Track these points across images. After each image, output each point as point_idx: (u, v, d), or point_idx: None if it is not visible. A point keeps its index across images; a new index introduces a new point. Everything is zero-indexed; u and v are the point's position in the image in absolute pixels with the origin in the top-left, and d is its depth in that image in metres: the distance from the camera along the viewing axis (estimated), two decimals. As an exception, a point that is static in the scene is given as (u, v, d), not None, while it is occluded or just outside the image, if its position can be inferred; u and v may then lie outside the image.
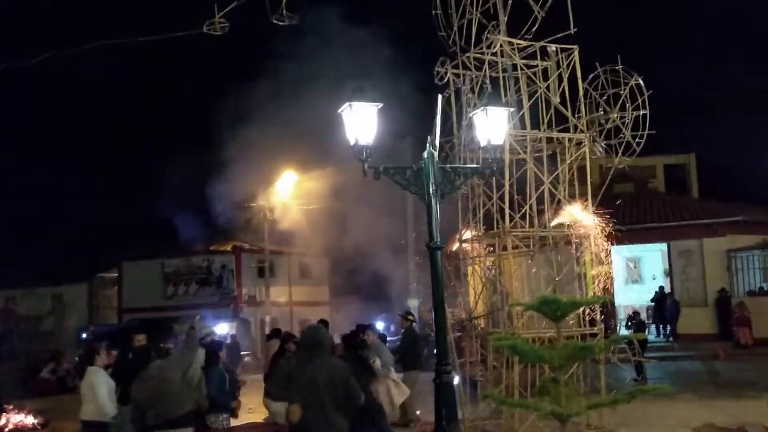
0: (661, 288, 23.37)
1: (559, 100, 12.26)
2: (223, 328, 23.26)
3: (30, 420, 15.38)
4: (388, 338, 27.49)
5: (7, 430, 14.42)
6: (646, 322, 20.83)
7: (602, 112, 12.31)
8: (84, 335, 22.92)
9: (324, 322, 11.60)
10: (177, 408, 6.96)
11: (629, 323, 16.49)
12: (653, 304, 23.28)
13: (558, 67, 12.45)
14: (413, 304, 30.19)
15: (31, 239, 33.70)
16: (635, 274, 25.62)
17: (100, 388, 8.52)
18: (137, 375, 7.31)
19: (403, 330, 12.82)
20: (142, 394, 7.06)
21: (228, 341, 20.00)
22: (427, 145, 8.25)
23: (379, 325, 29.49)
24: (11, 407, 15.74)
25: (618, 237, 12.89)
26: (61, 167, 44.97)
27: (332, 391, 6.04)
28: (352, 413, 6.21)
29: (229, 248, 33.57)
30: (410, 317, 13.12)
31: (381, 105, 8.03)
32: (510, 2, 12.44)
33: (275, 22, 13.96)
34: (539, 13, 12.22)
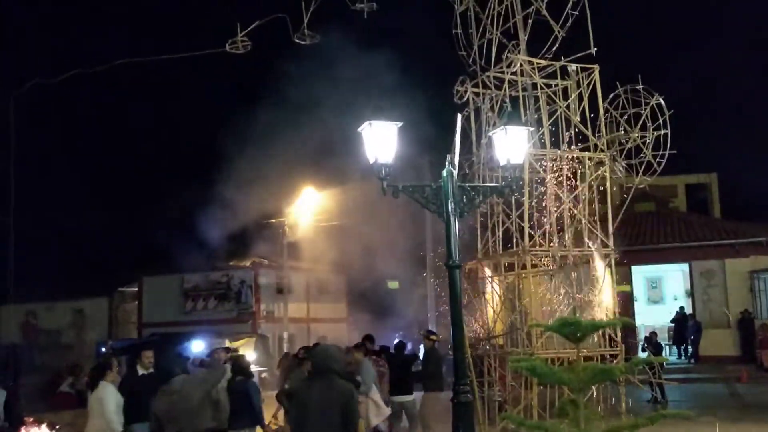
0: (681, 309, 23.12)
1: (579, 120, 12.27)
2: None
3: (48, 433, 15.48)
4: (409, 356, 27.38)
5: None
6: (663, 343, 20.61)
7: (623, 132, 12.28)
8: (103, 349, 23.04)
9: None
10: (196, 425, 6.99)
11: (645, 345, 16.30)
12: (673, 325, 23.04)
13: (578, 86, 12.47)
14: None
15: (53, 253, 34.04)
16: (656, 295, 25.37)
17: (108, 404, 8.50)
18: (159, 389, 7.35)
19: (425, 350, 12.51)
20: (162, 408, 7.08)
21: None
22: (447, 163, 8.25)
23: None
24: (31, 420, 15.84)
25: (639, 257, 12.84)
26: (83, 182, 45.49)
27: (327, 414, 6.00)
28: None
29: (248, 264, 33.68)
30: (433, 336, 12.84)
31: (401, 124, 8.06)
32: (530, 22, 12.51)
33: (297, 41, 14.14)
34: (559, 32, 12.26)
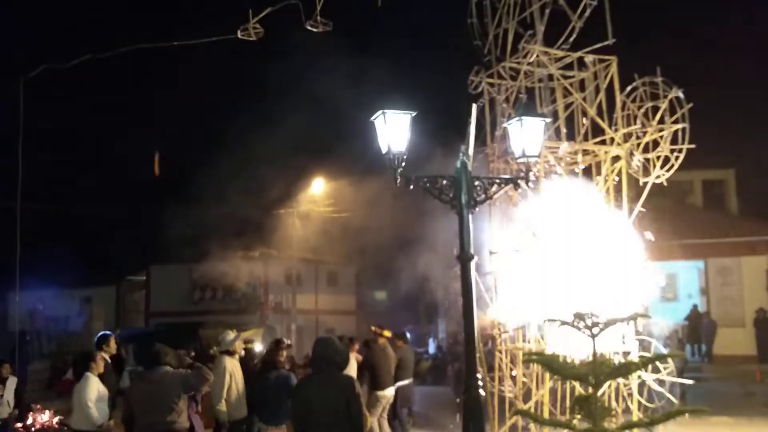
0: (695, 306, 22.85)
1: (595, 112, 12.02)
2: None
3: (55, 420, 15.46)
4: (416, 350, 27.27)
5: (33, 429, 14.49)
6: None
7: (640, 125, 12.02)
8: (96, 338, 22.97)
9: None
10: (168, 420, 6.71)
11: (667, 342, 16.02)
12: (686, 323, 22.77)
13: (595, 78, 12.23)
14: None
15: (61, 241, 34.04)
16: (670, 292, 25.08)
17: (87, 396, 8.31)
18: (139, 375, 7.18)
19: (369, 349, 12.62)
20: (136, 396, 6.90)
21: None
22: (461, 154, 8.08)
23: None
24: (38, 407, 15.84)
25: (653, 253, 12.57)
26: (93, 169, 45.54)
27: (328, 409, 5.86)
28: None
29: (256, 255, 33.59)
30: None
31: (415, 113, 7.90)
32: (547, 12, 12.26)
33: (309, 28, 13.93)
34: (577, 22, 12.01)
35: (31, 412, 14.98)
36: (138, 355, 10.01)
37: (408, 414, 12.99)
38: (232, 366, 9.47)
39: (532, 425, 11.43)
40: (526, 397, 11.56)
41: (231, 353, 9.63)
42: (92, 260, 33.59)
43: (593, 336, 4.73)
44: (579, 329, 4.78)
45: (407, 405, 12.78)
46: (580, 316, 4.74)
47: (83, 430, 8.85)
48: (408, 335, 13.91)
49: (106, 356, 9.55)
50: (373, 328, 12.87)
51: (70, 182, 40.11)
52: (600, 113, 12.03)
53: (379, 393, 11.61)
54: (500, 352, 12.27)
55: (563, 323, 4.98)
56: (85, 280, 33.30)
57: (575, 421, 4.86)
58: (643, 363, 5.06)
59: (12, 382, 11.10)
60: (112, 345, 9.85)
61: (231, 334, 10.01)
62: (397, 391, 12.40)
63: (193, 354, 11.01)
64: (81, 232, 35.70)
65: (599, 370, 4.69)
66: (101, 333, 10.12)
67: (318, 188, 30.10)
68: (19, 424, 13.85)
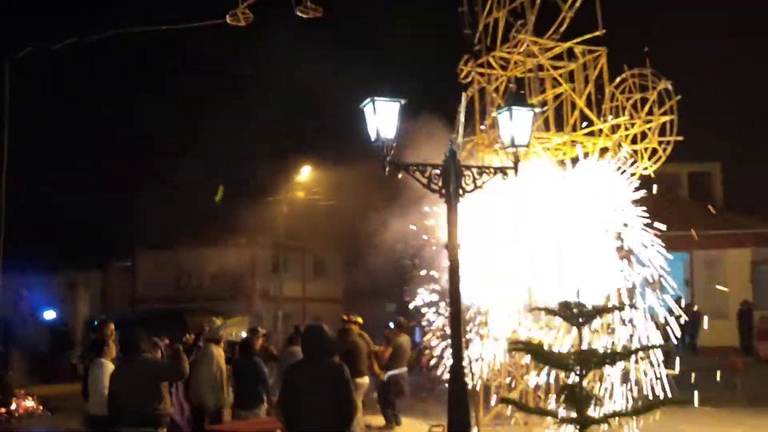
0: (678, 298, 22.96)
1: (584, 103, 12.03)
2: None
3: (38, 405, 15.41)
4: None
5: (17, 414, 14.46)
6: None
7: (629, 117, 12.04)
8: (96, 323, 22.90)
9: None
10: (149, 406, 6.70)
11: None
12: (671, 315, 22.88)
13: (585, 69, 12.23)
14: (390, 308, 29.87)
15: (46, 226, 33.80)
16: (655, 284, 25.19)
17: (101, 382, 8.32)
18: (120, 362, 7.15)
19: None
20: (117, 384, 6.87)
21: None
22: (450, 143, 8.07)
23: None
24: (22, 392, 15.77)
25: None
26: (79, 153, 45.22)
27: (318, 396, 5.87)
28: (343, 420, 6.03)
29: (243, 242, 33.48)
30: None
31: (404, 101, 7.87)
32: (538, 2, 12.22)
33: (299, 14, 13.85)
34: (567, 12, 11.98)
35: (15, 399, 14.94)
36: (119, 342, 9.94)
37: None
38: (219, 354, 9.48)
39: (517, 414, 11.51)
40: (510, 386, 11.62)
41: (217, 341, 9.63)
42: (78, 245, 33.38)
43: (579, 325, 4.76)
44: (565, 318, 4.80)
45: (401, 394, 12.71)
46: (566, 305, 4.77)
47: (100, 415, 8.95)
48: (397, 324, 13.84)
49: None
50: (344, 316, 12.92)
51: (55, 166, 39.81)
52: (589, 104, 12.04)
53: (358, 381, 11.59)
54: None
55: (548, 312, 5.00)
56: (70, 266, 33.09)
57: (561, 410, 4.90)
58: (629, 352, 5.09)
59: (-4, 368, 11.03)
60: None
61: (218, 322, 10.02)
62: (390, 379, 12.49)
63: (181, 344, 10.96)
64: (66, 217, 35.43)
65: (585, 358, 4.71)
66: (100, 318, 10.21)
67: (305, 176, 30.04)
68: (3, 410, 13.80)
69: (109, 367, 8.48)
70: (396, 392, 12.54)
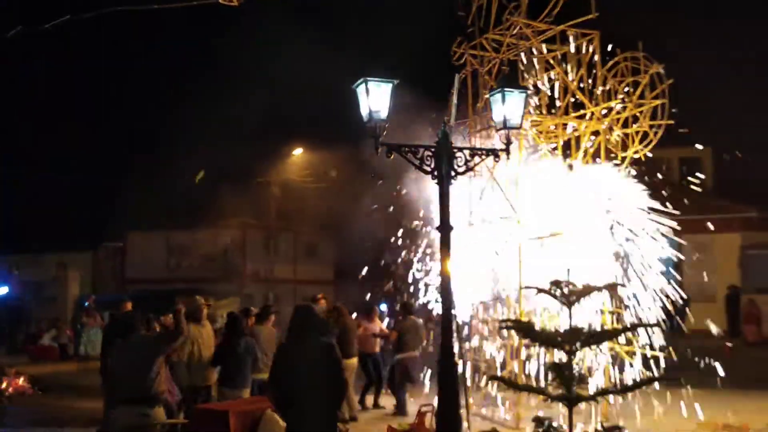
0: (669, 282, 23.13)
1: (577, 86, 12.04)
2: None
3: (30, 385, 15.44)
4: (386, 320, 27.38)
5: (8, 394, 14.47)
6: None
7: (620, 100, 12.07)
8: (86, 303, 22.95)
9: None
10: (147, 386, 6.69)
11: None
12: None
13: (577, 52, 12.23)
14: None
15: (37, 205, 33.66)
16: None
17: None
18: (117, 343, 7.17)
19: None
20: (116, 365, 6.90)
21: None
22: (442, 124, 8.08)
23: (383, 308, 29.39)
24: (13, 371, 15.79)
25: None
26: (71, 134, 44.91)
27: (309, 375, 5.92)
28: (334, 398, 6.10)
29: (235, 224, 33.47)
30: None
31: (397, 82, 7.88)
32: (532, -17, 12.20)
33: (291, -6, 13.76)
34: (561, -5, 11.96)
35: (6, 377, 14.95)
36: (113, 325, 10.05)
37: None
38: (196, 333, 9.50)
39: (506, 395, 11.62)
40: (501, 368, 11.72)
41: (196, 320, 9.65)
42: (69, 225, 33.29)
43: (569, 304, 4.81)
44: (556, 297, 4.85)
45: (408, 379, 12.45)
46: (557, 284, 4.81)
47: None
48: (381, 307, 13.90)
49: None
50: (319, 295, 13.10)
51: (46, 146, 39.57)
52: (581, 88, 12.06)
53: (346, 362, 11.62)
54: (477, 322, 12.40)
55: (540, 291, 5.04)
56: (61, 245, 33.02)
57: (549, 388, 4.96)
58: (617, 332, 5.14)
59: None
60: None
61: (201, 301, 10.06)
62: (396, 363, 12.47)
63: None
64: (56, 196, 35.29)
65: (574, 337, 4.76)
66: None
67: (297, 158, 30.01)
68: (-8, 388, 13.79)
69: None
70: (403, 377, 12.38)
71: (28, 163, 32.21)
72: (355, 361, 12.08)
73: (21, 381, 15.40)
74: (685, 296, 22.03)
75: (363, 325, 13.11)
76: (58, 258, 32.89)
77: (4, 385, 14.56)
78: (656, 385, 7.29)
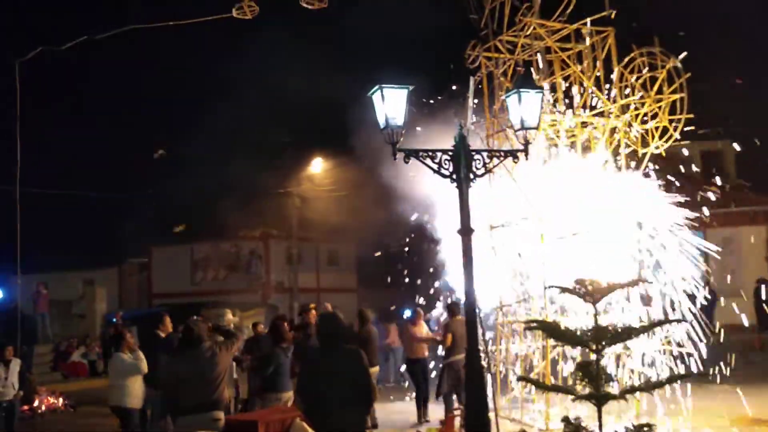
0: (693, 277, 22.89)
1: (593, 84, 11.99)
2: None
3: (61, 402, 15.61)
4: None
5: (40, 411, 14.64)
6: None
7: (638, 97, 11.99)
8: (114, 320, 23.16)
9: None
10: (217, 395, 6.90)
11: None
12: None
13: (593, 50, 12.18)
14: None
15: (62, 224, 34.06)
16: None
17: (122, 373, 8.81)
18: (180, 353, 7.26)
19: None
20: (181, 376, 6.98)
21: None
22: (459, 127, 8.07)
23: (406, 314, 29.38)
24: (44, 389, 15.97)
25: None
26: (93, 151, 45.41)
27: (336, 382, 5.92)
28: (363, 405, 6.10)
29: (257, 235, 33.64)
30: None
31: (412, 88, 7.89)
32: (545, -17, 12.18)
33: (305, 5, 13.87)
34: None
35: (37, 395, 15.13)
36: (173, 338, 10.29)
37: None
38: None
39: (535, 397, 11.58)
40: (529, 370, 11.67)
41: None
42: (94, 242, 33.65)
43: (594, 302, 4.78)
44: (580, 296, 4.82)
45: (458, 382, 11.29)
46: (581, 283, 4.78)
47: (121, 407, 9.42)
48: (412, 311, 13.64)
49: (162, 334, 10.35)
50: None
51: (71, 164, 40.07)
52: (598, 85, 12.00)
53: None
54: (501, 325, 12.35)
55: (564, 290, 5.02)
56: (87, 263, 33.38)
57: (578, 387, 4.93)
58: (645, 329, 5.10)
59: (15, 364, 11.19)
60: (167, 323, 10.46)
61: (228, 314, 10.19)
62: (445, 366, 11.69)
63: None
64: (82, 214, 35.69)
65: (601, 336, 4.73)
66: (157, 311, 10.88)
67: (317, 168, 30.11)
68: (26, 407, 13.96)
69: (123, 358, 8.84)
70: (454, 383, 11.50)
71: (53, 183, 32.58)
72: (377, 369, 11.97)
73: (52, 399, 15.58)
74: (712, 290, 21.87)
75: (410, 329, 12.77)
76: (84, 275, 33.27)
77: (36, 403, 14.74)
78: (686, 380, 7.22)
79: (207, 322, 9.75)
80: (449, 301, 13.25)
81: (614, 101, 11.83)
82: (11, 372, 11.06)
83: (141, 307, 32.64)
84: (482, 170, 8.03)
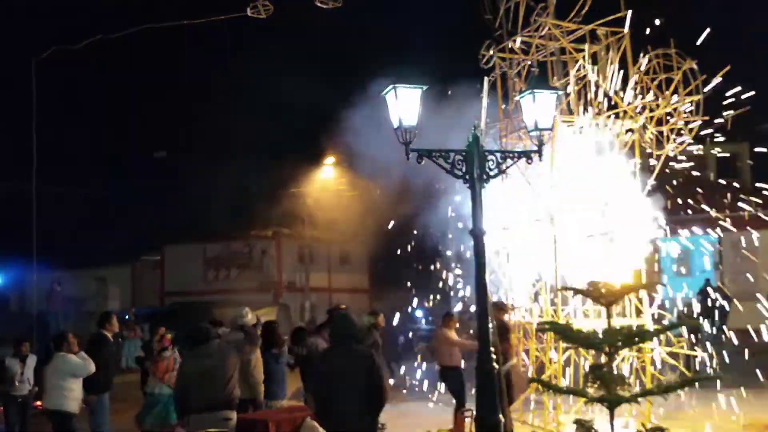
0: (707, 281, 22.75)
1: (608, 86, 11.93)
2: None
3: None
4: (424, 327, 27.32)
5: (42, 406, 14.70)
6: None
7: (653, 98, 11.91)
8: (127, 317, 23.28)
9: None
10: (227, 394, 6.91)
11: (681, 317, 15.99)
12: (699, 297, 22.67)
13: (608, 51, 12.11)
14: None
15: (76, 221, 34.25)
16: (683, 267, 24.96)
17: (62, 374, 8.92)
18: (191, 351, 7.26)
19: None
20: (192, 372, 6.98)
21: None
22: (473, 128, 8.05)
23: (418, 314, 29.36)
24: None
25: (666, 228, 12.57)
26: (107, 150, 45.65)
27: (349, 382, 5.91)
28: (375, 406, 6.08)
29: (269, 234, 33.72)
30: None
31: (426, 87, 7.87)
32: (560, -17, 12.13)
33: (319, 5, 13.90)
34: (590, -6, 11.88)
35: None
36: (181, 336, 10.23)
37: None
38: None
39: (545, 397, 11.51)
40: (540, 372, 11.61)
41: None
42: (107, 240, 33.81)
43: (607, 305, 4.74)
44: (592, 298, 4.79)
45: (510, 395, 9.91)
46: (594, 285, 4.75)
47: (58, 410, 9.17)
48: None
49: (109, 334, 10.04)
50: (341, 306, 12.83)
51: (84, 162, 40.33)
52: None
53: None
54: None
55: (576, 292, 4.99)
56: (100, 261, 33.55)
57: (590, 390, 4.90)
58: (658, 331, 5.06)
59: (32, 360, 11.23)
60: (114, 323, 10.27)
61: (249, 314, 10.07)
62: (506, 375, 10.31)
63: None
64: (95, 212, 35.91)
65: (613, 338, 4.69)
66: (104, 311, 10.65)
67: (329, 167, 30.13)
68: (39, 402, 14.03)
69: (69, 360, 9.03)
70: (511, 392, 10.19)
71: (66, 180, 32.81)
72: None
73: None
74: (726, 295, 21.74)
75: (444, 333, 11.34)
76: (97, 273, 33.45)
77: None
78: (699, 385, 7.15)
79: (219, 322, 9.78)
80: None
81: (629, 103, 11.75)
82: (27, 368, 11.09)
83: (154, 305, 32.75)
84: (495, 171, 8.01)
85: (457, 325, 12.17)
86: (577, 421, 5.00)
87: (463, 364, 11.41)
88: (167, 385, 10.12)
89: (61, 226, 29.94)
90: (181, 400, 7.04)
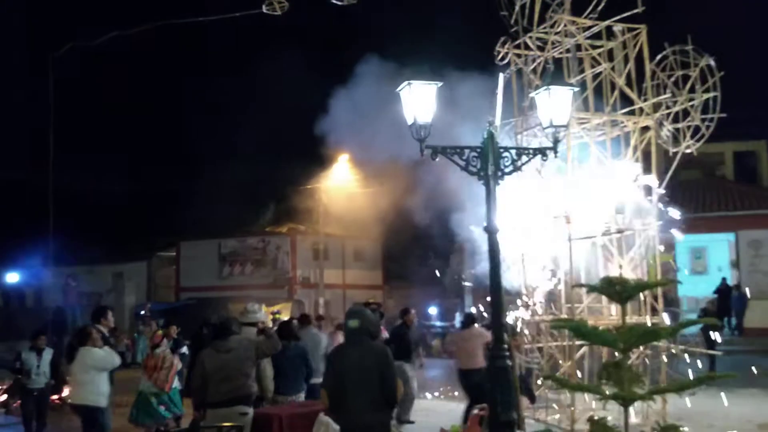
0: (724, 280, 22.59)
1: (624, 82, 11.86)
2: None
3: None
4: (438, 324, 27.25)
5: (69, 401, 14.80)
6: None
7: (670, 95, 11.82)
8: (142, 312, 23.44)
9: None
10: (244, 388, 6.97)
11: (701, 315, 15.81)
12: (716, 296, 22.51)
13: (624, 47, 12.04)
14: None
15: (93, 217, 34.53)
16: (700, 266, 24.79)
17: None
18: (211, 345, 7.31)
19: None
20: (213, 366, 7.04)
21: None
22: (487, 124, 8.02)
23: (432, 311, 29.33)
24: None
25: (683, 226, 12.49)
26: (124, 146, 45.98)
27: (362, 378, 5.92)
28: (387, 402, 6.08)
29: (284, 230, 33.83)
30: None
31: (441, 84, 7.84)
32: (575, -21, 12.05)
33: (334, 2, 13.90)
34: (606, -10, 11.80)
35: (67, 385, 15.32)
36: (204, 332, 10.21)
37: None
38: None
39: (560, 396, 11.48)
40: (554, 370, 11.57)
41: (254, 326, 9.71)
42: (123, 236, 34.10)
43: (623, 301, 4.73)
44: (608, 294, 4.77)
45: (531, 395, 10.77)
46: (608, 281, 4.74)
47: (84, 405, 9.13)
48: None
49: (104, 329, 9.92)
50: (370, 300, 12.81)
51: (101, 159, 40.61)
52: (629, 83, 11.86)
53: None
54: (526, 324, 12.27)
55: (592, 289, 4.96)
56: (116, 256, 33.82)
57: (605, 387, 4.89)
58: (673, 330, 5.03)
59: (48, 353, 11.32)
60: (110, 318, 10.21)
61: (257, 307, 10.10)
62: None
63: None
64: (112, 208, 36.17)
65: (628, 335, 4.67)
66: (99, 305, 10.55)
67: (344, 164, 30.12)
68: (55, 396, 14.14)
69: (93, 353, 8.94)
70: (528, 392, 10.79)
71: (84, 176, 33.06)
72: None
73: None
74: (742, 293, 21.57)
75: (477, 333, 10.92)
76: (113, 269, 33.71)
77: (65, 393, 14.92)
78: (714, 383, 7.12)
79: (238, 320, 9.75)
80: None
81: (645, 99, 11.68)
82: (44, 361, 11.17)
83: (169, 300, 32.96)
84: (510, 168, 7.97)
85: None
86: (591, 419, 4.98)
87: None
88: (151, 383, 10.20)
89: (77, 221, 30.17)
90: (198, 393, 7.10)
